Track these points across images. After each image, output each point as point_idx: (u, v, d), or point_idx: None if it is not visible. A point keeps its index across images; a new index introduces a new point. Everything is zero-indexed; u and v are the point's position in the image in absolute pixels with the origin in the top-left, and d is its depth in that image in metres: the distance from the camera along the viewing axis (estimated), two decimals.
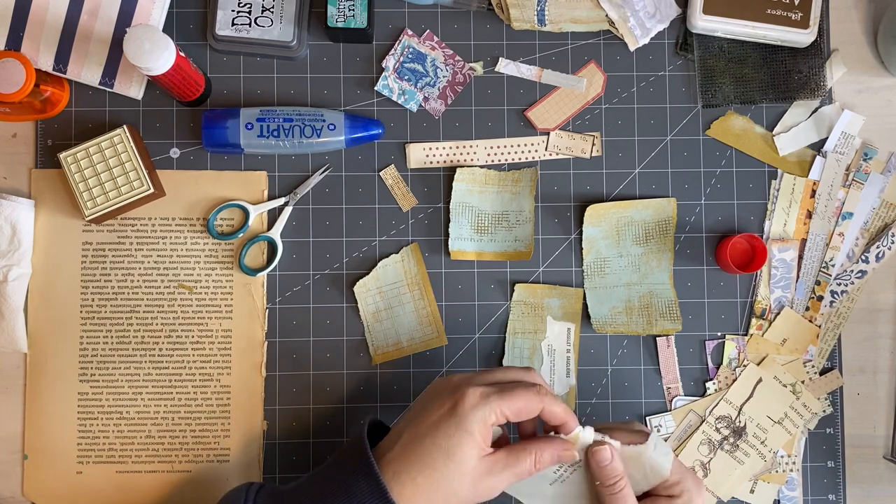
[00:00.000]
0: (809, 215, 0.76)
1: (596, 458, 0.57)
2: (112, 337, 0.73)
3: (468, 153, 0.75)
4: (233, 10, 0.72)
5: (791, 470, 0.75)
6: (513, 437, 0.63)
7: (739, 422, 0.74)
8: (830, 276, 0.75)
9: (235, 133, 0.71)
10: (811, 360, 0.75)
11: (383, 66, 0.75)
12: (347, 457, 0.57)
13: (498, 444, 0.59)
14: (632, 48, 0.76)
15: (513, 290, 0.75)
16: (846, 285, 0.76)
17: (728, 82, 0.76)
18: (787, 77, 0.76)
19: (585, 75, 0.76)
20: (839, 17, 0.77)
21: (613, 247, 0.75)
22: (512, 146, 0.75)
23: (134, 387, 0.73)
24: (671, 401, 0.75)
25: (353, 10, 0.72)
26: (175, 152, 0.74)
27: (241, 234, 0.74)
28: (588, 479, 0.59)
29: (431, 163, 0.75)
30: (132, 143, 0.71)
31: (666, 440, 0.75)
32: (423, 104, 0.75)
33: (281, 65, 0.75)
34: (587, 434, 0.58)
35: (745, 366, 0.75)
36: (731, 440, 0.74)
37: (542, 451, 0.57)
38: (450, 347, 0.75)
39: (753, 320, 0.75)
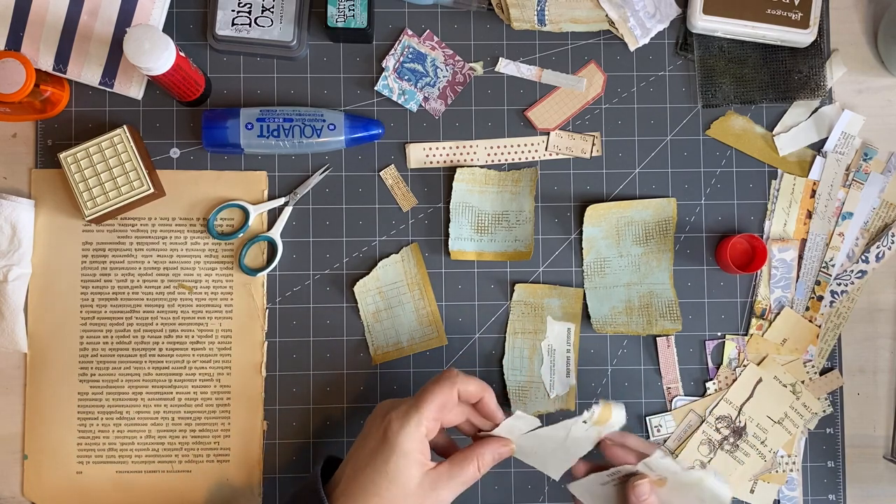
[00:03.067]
0: (809, 215, 0.76)
1: (635, 492, 0.58)
2: (112, 337, 0.73)
3: (468, 153, 0.75)
4: (233, 10, 0.72)
5: (791, 470, 0.75)
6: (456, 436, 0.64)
7: (739, 422, 0.74)
8: (830, 276, 0.75)
9: (235, 133, 0.71)
10: (811, 360, 0.75)
11: (383, 66, 0.75)
12: (301, 500, 0.57)
13: (444, 450, 0.60)
14: (632, 48, 0.76)
15: (513, 290, 0.75)
16: (846, 285, 0.76)
17: (728, 82, 0.76)
18: (787, 77, 0.76)
19: (585, 75, 0.76)
20: (839, 17, 0.77)
21: (613, 247, 0.75)
22: (512, 146, 0.75)
23: (134, 387, 0.73)
24: (671, 401, 0.75)
25: (353, 10, 0.72)
26: (175, 152, 0.74)
27: (241, 234, 0.74)
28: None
29: (431, 163, 0.75)
30: (132, 143, 0.71)
31: (665, 441, 0.75)
32: (423, 104, 0.75)
33: (281, 65, 0.75)
34: (522, 422, 0.59)
35: (745, 366, 0.75)
36: (731, 440, 0.74)
37: (483, 454, 0.58)
38: (450, 347, 0.75)
39: (753, 320, 0.75)
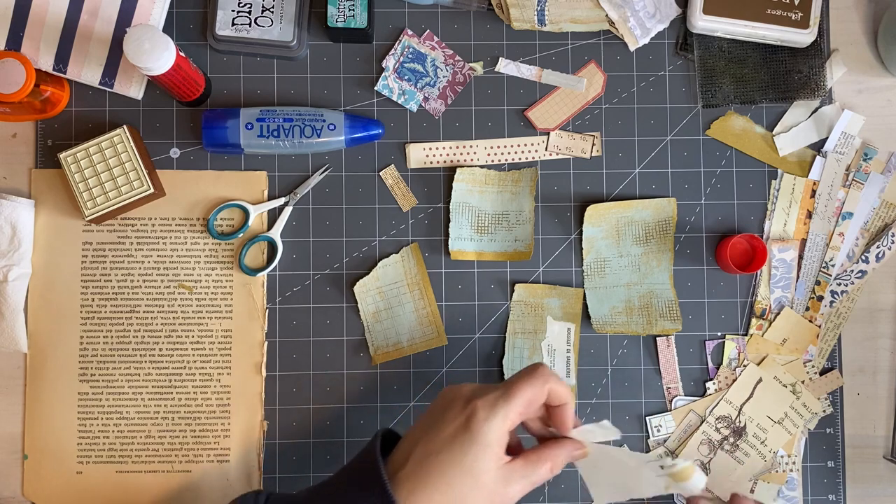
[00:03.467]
0: (809, 215, 0.76)
1: None
2: (112, 337, 0.73)
3: (468, 153, 0.75)
4: (233, 10, 0.72)
5: (791, 470, 0.75)
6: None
7: (739, 422, 0.74)
8: (830, 276, 0.75)
9: (235, 133, 0.71)
10: (811, 360, 0.75)
11: (383, 66, 0.75)
12: (359, 473, 0.55)
13: (511, 449, 0.58)
14: (632, 48, 0.76)
15: (513, 290, 0.75)
16: (846, 285, 0.76)
17: (728, 82, 0.76)
18: (787, 77, 0.76)
19: (585, 75, 0.76)
20: (839, 17, 0.77)
21: (613, 247, 0.75)
22: (512, 146, 0.75)
23: (134, 387, 0.73)
24: (671, 401, 0.75)
25: (353, 10, 0.72)
26: (175, 152, 0.74)
27: (241, 234, 0.74)
28: None
29: (431, 163, 0.75)
30: (132, 143, 0.71)
31: (666, 441, 0.75)
32: (423, 104, 0.75)
33: (281, 65, 0.75)
34: (603, 431, 0.57)
35: (745, 366, 0.75)
36: (731, 440, 0.74)
37: (558, 455, 0.56)
38: (450, 347, 0.75)
39: (753, 320, 0.75)
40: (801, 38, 0.74)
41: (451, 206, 0.74)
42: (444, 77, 0.75)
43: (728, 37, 0.75)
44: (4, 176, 0.74)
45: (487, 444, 0.53)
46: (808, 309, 0.75)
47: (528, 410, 0.56)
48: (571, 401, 0.57)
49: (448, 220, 0.74)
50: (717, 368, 0.75)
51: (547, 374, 0.56)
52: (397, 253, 0.75)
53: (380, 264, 0.74)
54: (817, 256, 0.75)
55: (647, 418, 0.75)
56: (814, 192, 0.76)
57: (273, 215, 0.74)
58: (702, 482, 0.56)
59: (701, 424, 0.75)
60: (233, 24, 0.72)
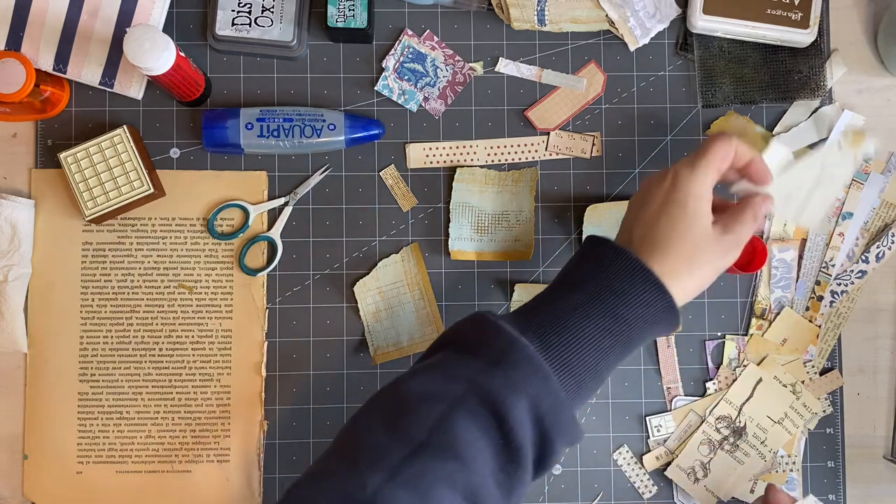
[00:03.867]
0: None
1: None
2: (112, 337, 0.73)
3: (468, 153, 0.75)
4: (233, 10, 0.72)
5: (791, 470, 0.75)
6: None
7: (739, 422, 0.74)
8: (830, 276, 0.75)
9: (235, 133, 0.71)
10: (811, 360, 0.75)
11: (383, 66, 0.75)
12: (609, 269, 0.54)
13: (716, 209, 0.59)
14: (632, 48, 0.76)
15: (513, 290, 0.75)
16: (846, 285, 0.76)
17: (728, 82, 0.76)
18: (787, 77, 0.76)
19: (585, 75, 0.76)
20: (839, 17, 0.77)
21: None
22: (512, 146, 0.75)
23: (134, 387, 0.73)
24: (671, 401, 0.75)
25: (353, 10, 0.72)
26: (175, 152, 0.74)
27: (241, 234, 0.74)
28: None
29: (431, 163, 0.75)
30: (132, 143, 0.71)
31: (666, 441, 0.75)
32: (423, 104, 0.75)
33: (281, 65, 0.75)
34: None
35: (745, 366, 0.75)
36: (731, 440, 0.74)
37: (754, 202, 0.58)
38: None
39: (753, 320, 0.75)
40: (801, 38, 0.74)
41: (451, 206, 0.74)
42: (444, 77, 0.75)
43: (728, 37, 0.75)
44: (4, 176, 0.74)
45: (699, 195, 0.56)
46: (808, 309, 0.75)
47: (723, 165, 0.57)
48: (757, 156, 0.59)
49: (448, 220, 0.74)
50: (717, 368, 0.75)
51: (732, 135, 0.58)
52: (397, 253, 0.75)
53: (380, 264, 0.74)
54: (817, 256, 0.75)
55: (647, 418, 0.75)
56: None
57: (273, 215, 0.74)
58: (874, 140, 0.58)
59: (701, 424, 0.75)
60: (233, 24, 0.72)
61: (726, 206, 0.60)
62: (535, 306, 0.55)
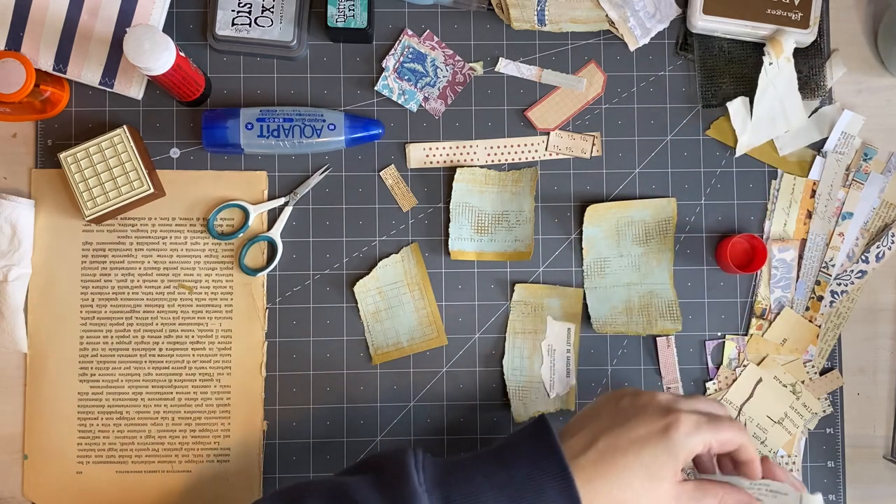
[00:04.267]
0: (809, 215, 0.76)
1: None
2: (112, 337, 0.73)
3: (468, 153, 0.75)
4: (233, 10, 0.72)
5: (791, 470, 0.75)
6: None
7: (740, 422, 0.74)
8: (830, 276, 0.75)
9: (235, 133, 0.71)
10: (811, 360, 0.75)
11: (383, 66, 0.75)
12: (535, 451, 0.54)
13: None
14: (632, 48, 0.76)
15: (513, 290, 0.75)
16: (846, 285, 0.76)
17: (728, 82, 0.76)
18: None
19: (585, 75, 0.76)
20: (839, 17, 0.77)
21: (613, 247, 0.75)
22: (512, 146, 0.75)
23: (134, 387, 0.73)
24: None
25: (353, 10, 0.72)
26: (175, 152, 0.74)
27: (241, 234, 0.74)
28: None
29: (431, 163, 0.75)
30: (132, 143, 0.71)
31: None
32: (423, 104, 0.75)
33: (281, 65, 0.75)
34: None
35: (745, 366, 0.75)
36: None
37: (729, 494, 0.56)
38: (450, 347, 0.75)
39: (753, 320, 0.75)
40: (801, 38, 0.74)
41: (451, 206, 0.74)
42: (444, 77, 0.75)
43: (728, 37, 0.75)
44: (4, 176, 0.74)
45: (678, 457, 0.54)
46: (808, 309, 0.75)
47: (720, 449, 0.56)
48: (757, 457, 0.58)
49: (448, 220, 0.74)
50: (717, 368, 0.75)
51: (745, 430, 0.57)
52: (397, 253, 0.75)
53: (380, 264, 0.74)
54: (817, 256, 0.75)
55: None
56: (814, 192, 0.76)
57: (273, 215, 0.74)
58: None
59: None
60: (233, 24, 0.72)
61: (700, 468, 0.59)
62: (465, 466, 0.55)
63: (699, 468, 0.61)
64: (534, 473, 0.53)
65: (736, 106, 0.74)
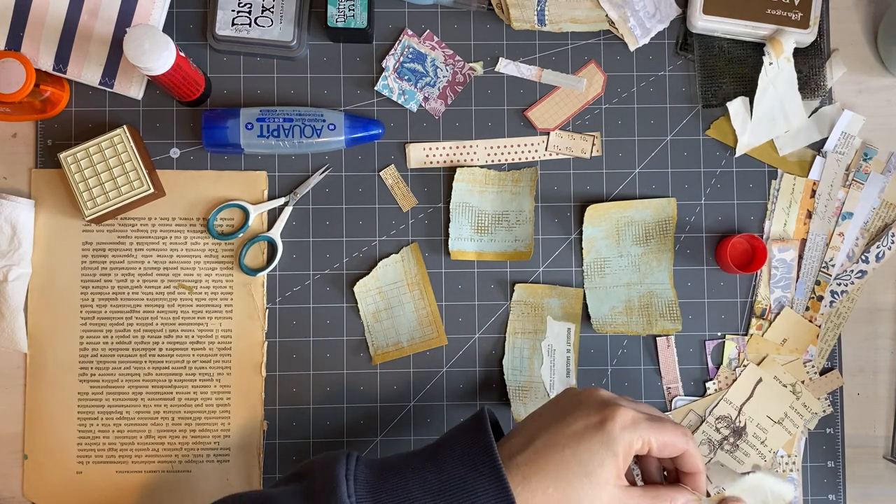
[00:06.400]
0: (809, 215, 0.76)
1: None
2: (112, 337, 0.73)
3: (468, 153, 0.75)
4: (233, 10, 0.72)
5: (791, 470, 0.75)
6: None
7: (739, 422, 0.74)
8: (830, 276, 0.75)
9: (235, 133, 0.71)
10: (811, 360, 0.75)
11: (383, 66, 0.75)
12: (469, 451, 0.53)
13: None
14: (632, 48, 0.76)
15: (513, 290, 0.75)
16: (846, 285, 0.76)
17: (728, 82, 0.76)
18: None
19: (585, 75, 0.76)
20: (839, 17, 0.77)
21: (613, 247, 0.75)
22: (512, 146, 0.75)
23: (134, 387, 0.73)
24: (671, 401, 0.75)
25: (353, 10, 0.72)
26: (175, 152, 0.74)
27: (241, 234, 0.74)
28: None
29: (431, 163, 0.75)
30: (132, 143, 0.71)
31: None
32: (423, 104, 0.75)
33: (281, 65, 0.75)
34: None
35: (745, 366, 0.75)
36: (731, 440, 0.74)
37: (676, 499, 0.55)
38: (450, 347, 0.75)
39: (753, 320, 0.75)
40: (801, 38, 0.74)
41: (451, 206, 0.74)
42: (444, 77, 0.75)
43: (728, 37, 0.75)
44: (4, 176, 0.74)
45: (615, 453, 0.52)
46: (808, 309, 0.75)
47: (660, 451, 0.54)
48: (703, 469, 0.56)
49: (448, 220, 0.74)
50: (717, 368, 0.75)
51: (690, 436, 0.55)
52: (397, 253, 0.75)
53: (380, 264, 0.74)
54: (817, 256, 0.75)
55: None
56: (814, 192, 0.76)
57: (273, 215, 0.74)
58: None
59: (701, 424, 0.75)
60: (233, 24, 0.72)
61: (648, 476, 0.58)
62: (400, 469, 0.53)
63: (645, 478, 0.59)
64: (468, 476, 0.51)
65: (736, 106, 0.74)
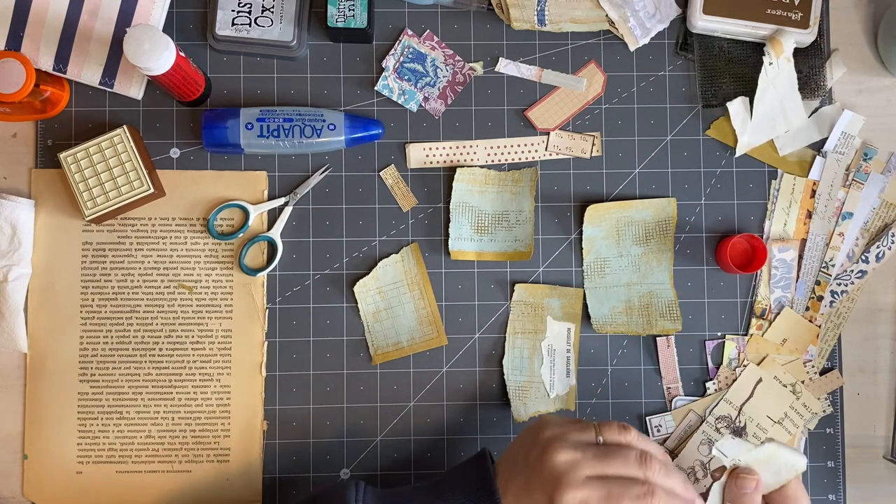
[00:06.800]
0: (809, 215, 0.76)
1: (738, 483, 0.59)
2: (112, 337, 0.73)
3: (468, 153, 0.75)
4: (233, 10, 0.72)
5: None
6: None
7: (739, 422, 0.74)
8: (830, 276, 0.75)
9: (235, 133, 0.71)
10: (811, 360, 0.75)
11: (383, 66, 0.75)
12: (473, 492, 0.57)
13: None
14: (632, 48, 0.76)
15: (513, 290, 0.75)
16: (846, 285, 0.76)
17: (728, 82, 0.76)
18: None
19: (585, 75, 0.76)
20: (839, 17, 0.77)
21: (613, 247, 0.75)
22: (512, 146, 0.75)
23: (134, 387, 0.73)
24: (671, 401, 0.75)
25: (353, 10, 0.72)
26: (175, 152, 0.74)
27: (241, 234, 0.74)
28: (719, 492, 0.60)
29: (431, 163, 0.75)
30: (132, 143, 0.71)
31: (665, 441, 0.75)
32: (423, 104, 0.75)
33: (281, 65, 0.75)
34: None
35: (745, 366, 0.75)
36: None
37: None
38: (450, 347, 0.75)
39: (753, 320, 0.75)
40: (801, 38, 0.74)
41: (451, 206, 0.74)
42: (444, 77, 0.75)
43: (728, 37, 0.75)
44: (4, 176, 0.74)
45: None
46: (808, 309, 0.75)
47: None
48: (689, 491, 0.58)
49: (448, 220, 0.74)
50: (717, 368, 0.75)
51: (647, 464, 0.56)
52: (397, 253, 0.75)
53: (380, 264, 0.74)
54: (817, 256, 0.75)
55: (647, 418, 0.75)
56: (814, 192, 0.76)
57: (273, 215, 0.74)
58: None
59: (701, 424, 0.75)
60: (233, 24, 0.72)
61: None
62: (405, 501, 0.58)
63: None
64: None
65: (736, 106, 0.74)
